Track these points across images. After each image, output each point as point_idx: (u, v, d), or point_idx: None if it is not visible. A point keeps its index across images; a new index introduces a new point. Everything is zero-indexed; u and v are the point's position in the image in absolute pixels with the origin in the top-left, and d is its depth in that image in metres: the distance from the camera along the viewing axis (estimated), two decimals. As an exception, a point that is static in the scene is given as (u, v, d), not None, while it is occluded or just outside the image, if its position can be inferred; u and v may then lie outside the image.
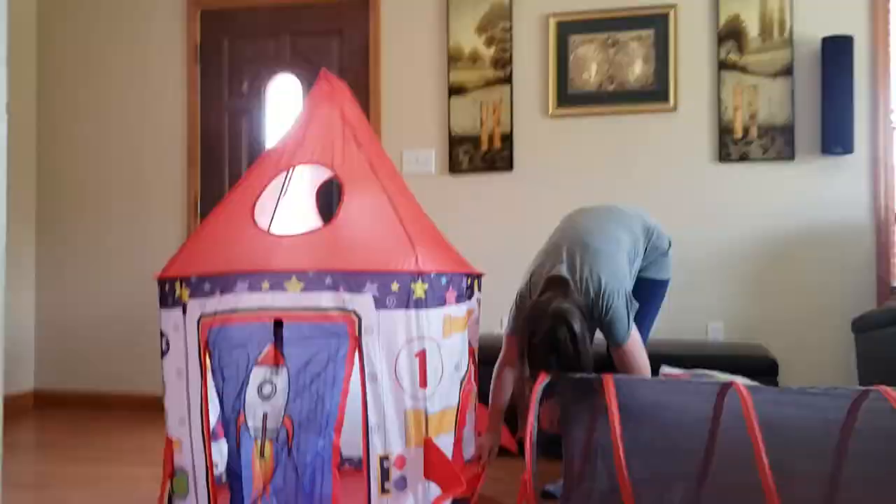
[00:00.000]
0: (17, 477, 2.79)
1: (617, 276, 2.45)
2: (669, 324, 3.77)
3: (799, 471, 2.03)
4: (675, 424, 2.19)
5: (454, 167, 4.07)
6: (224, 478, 2.70)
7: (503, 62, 4.01)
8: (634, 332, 2.48)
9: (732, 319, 3.76)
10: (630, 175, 3.88)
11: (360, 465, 2.28)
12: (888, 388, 1.90)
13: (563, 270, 2.43)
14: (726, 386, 2.04)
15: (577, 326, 2.26)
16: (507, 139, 4.00)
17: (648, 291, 2.69)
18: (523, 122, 4.01)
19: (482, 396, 2.63)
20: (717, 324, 3.76)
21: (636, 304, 2.49)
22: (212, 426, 2.29)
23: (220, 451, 2.68)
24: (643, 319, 2.63)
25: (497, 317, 3.99)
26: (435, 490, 2.20)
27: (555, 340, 2.24)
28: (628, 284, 2.52)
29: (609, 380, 2.11)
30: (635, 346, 2.49)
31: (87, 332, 4.51)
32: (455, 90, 4.06)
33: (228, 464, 2.23)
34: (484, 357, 2.62)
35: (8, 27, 2.43)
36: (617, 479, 2.04)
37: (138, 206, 4.47)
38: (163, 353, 2.29)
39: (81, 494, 2.79)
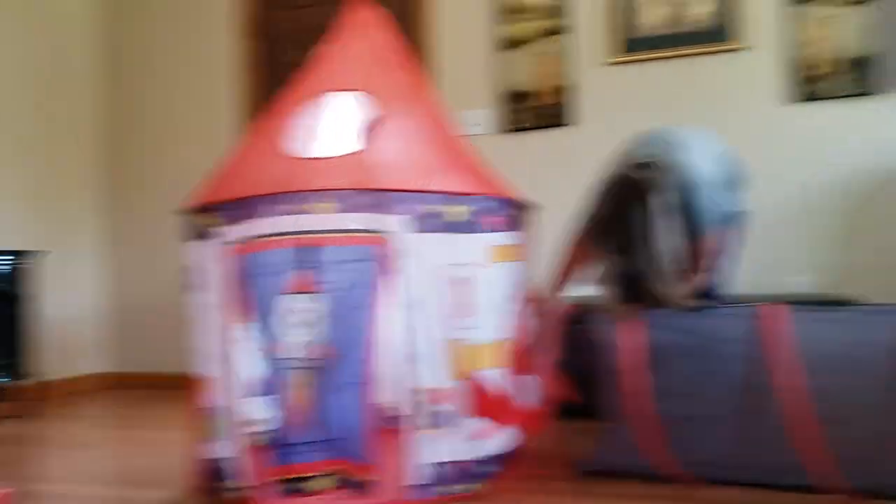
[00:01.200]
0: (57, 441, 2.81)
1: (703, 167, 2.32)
2: (749, 281, 3.48)
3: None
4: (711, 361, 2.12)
5: (511, 125, 3.87)
6: (260, 436, 2.54)
7: (559, 11, 3.79)
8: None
9: (820, 272, 3.42)
10: (698, 122, 3.56)
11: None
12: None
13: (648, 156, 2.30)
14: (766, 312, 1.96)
15: (656, 199, 2.13)
16: (567, 92, 3.79)
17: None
18: (583, 74, 3.79)
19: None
20: (801, 278, 3.43)
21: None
22: (246, 380, 2.14)
23: (256, 408, 2.47)
24: None
25: (559, 280, 3.79)
26: (479, 427, 2.02)
27: (627, 206, 2.16)
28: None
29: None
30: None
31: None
32: (509, 44, 3.87)
33: (270, 401, 2.05)
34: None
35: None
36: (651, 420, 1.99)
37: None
38: (189, 288, 2.18)
39: (116, 452, 2.74)
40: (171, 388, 4.39)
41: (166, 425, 3.27)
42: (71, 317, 4.40)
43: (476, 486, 2.02)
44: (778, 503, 1.86)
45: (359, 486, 1.96)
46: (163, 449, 2.74)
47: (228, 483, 2.05)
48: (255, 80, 4.40)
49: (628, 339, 2.08)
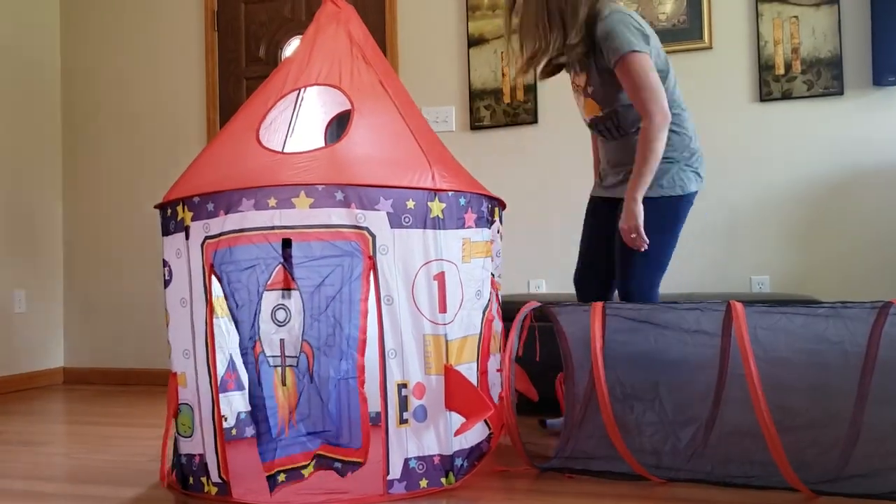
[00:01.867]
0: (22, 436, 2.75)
1: None
2: (710, 278, 3.53)
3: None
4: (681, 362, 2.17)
5: (475, 123, 3.87)
6: (234, 432, 2.57)
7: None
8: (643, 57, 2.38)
9: (779, 271, 3.47)
10: (663, 121, 3.62)
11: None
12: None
13: None
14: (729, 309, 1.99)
15: None
16: (531, 90, 3.79)
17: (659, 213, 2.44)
18: (548, 71, 3.79)
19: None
20: (763, 277, 3.47)
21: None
22: (219, 376, 2.16)
23: (230, 403, 2.56)
24: (654, 254, 2.42)
25: (524, 278, 3.81)
26: (458, 422, 2.02)
27: None
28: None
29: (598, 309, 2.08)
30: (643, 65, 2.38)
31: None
32: (474, 41, 3.86)
33: (251, 398, 2.04)
34: (506, 317, 2.42)
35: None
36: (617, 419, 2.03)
37: (159, 175, 4.39)
38: (166, 284, 2.15)
39: (80, 449, 2.69)
40: (123, 383, 4.35)
41: (121, 421, 3.21)
42: (22, 312, 4.32)
43: (450, 480, 2.03)
44: (738, 501, 1.87)
45: (341, 468, 1.97)
46: (118, 445, 2.70)
47: (202, 479, 2.04)
48: (217, 73, 4.35)
49: (589, 334, 2.09)
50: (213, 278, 2.03)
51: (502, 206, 2.38)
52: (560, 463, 2.19)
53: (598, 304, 2.13)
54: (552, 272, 3.76)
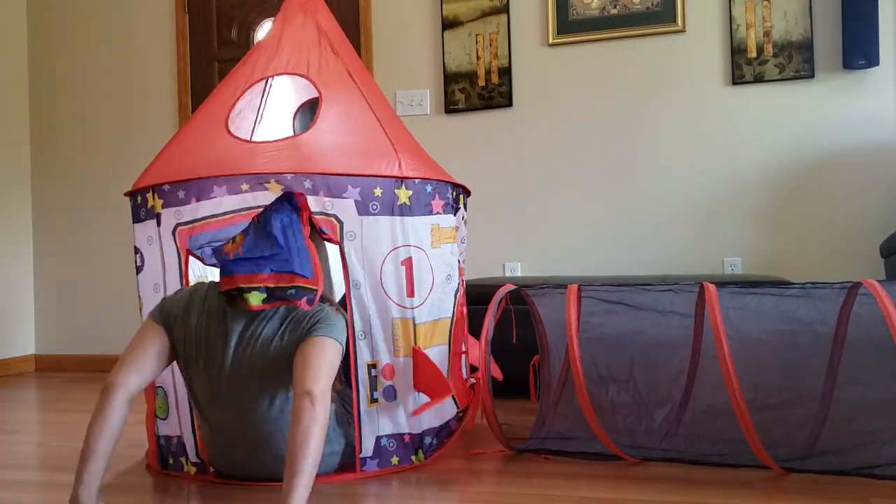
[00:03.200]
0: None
1: None
2: (683, 260, 3.56)
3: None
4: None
5: (450, 106, 3.86)
6: None
7: (499, -10, 3.79)
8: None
9: (751, 253, 3.51)
10: (638, 104, 3.65)
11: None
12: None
13: None
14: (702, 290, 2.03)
15: None
16: (506, 73, 3.79)
17: None
18: (522, 54, 3.79)
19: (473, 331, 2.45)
20: (735, 258, 3.51)
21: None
22: None
23: None
24: None
25: (499, 260, 3.82)
26: (421, 402, 2.07)
27: None
28: None
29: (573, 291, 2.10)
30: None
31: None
32: (448, 23, 3.85)
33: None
34: (482, 300, 2.45)
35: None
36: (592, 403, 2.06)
37: (131, 159, 4.33)
38: (138, 270, 2.16)
39: (53, 437, 2.66)
40: (96, 370, 4.31)
41: (93, 408, 3.16)
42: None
43: (419, 457, 2.08)
44: (711, 479, 1.90)
45: (297, 293, 1.94)
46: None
47: (182, 459, 2.08)
48: (188, 56, 4.30)
49: (563, 317, 2.11)
50: (193, 259, 2.07)
51: (467, 193, 2.41)
52: (535, 444, 2.20)
53: (574, 287, 2.14)
54: (527, 255, 3.78)
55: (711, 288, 1.95)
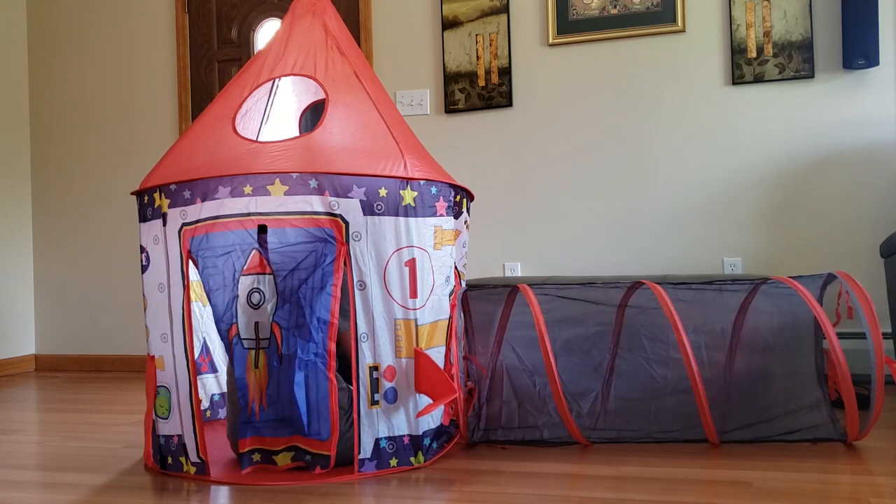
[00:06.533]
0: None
1: None
2: (683, 260, 3.56)
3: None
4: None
5: (450, 106, 3.86)
6: (209, 414, 2.69)
7: (499, -9, 3.78)
8: None
9: (752, 253, 3.51)
10: (638, 104, 3.65)
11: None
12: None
13: None
14: (635, 286, 2.34)
15: None
16: (506, 73, 3.79)
17: None
18: (522, 54, 3.79)
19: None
20: (735, 258, 3.51)
21: None
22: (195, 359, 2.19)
23: (204, 386, 2.70)
24: None
25: (499, 260, 3.82)
26: (422, 403, 2.09)
27: None
28: None
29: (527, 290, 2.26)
30: None
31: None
32: (448, 23, 3.85)
33: (228, 380, 2.12)
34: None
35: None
36: (522, 395, 2.37)
37: (131, 159, 4.34)
38: (143, 269, 2.18)
39: (52, 437, 2.66)
40: (96, 370, 4.32)
41: (93, 408, 3.18)
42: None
43: (419, 459, 2.08)
44: (710, 479, 1.91)
45: (312, 462, 2.04)
46: (91, 432, 2.68)
47: (181, 459, 2.08)
48: (189, 56, 4.30)
49: (491, 318, 2.24)
50: (191, 263, 2.07)
51: (471, 197, 2.41)
52: (481, 436, 2.32)
53: (520, 287, 2.26)
54: (527, 255, 3.78)
55: (654, 285, 2.20)
